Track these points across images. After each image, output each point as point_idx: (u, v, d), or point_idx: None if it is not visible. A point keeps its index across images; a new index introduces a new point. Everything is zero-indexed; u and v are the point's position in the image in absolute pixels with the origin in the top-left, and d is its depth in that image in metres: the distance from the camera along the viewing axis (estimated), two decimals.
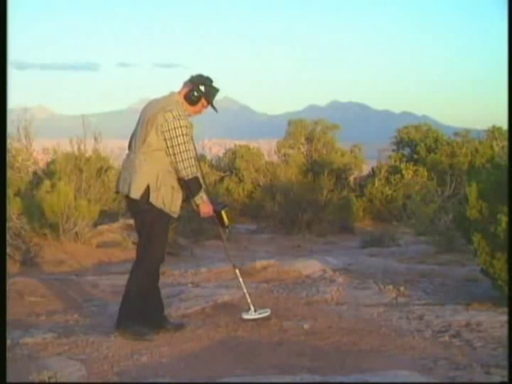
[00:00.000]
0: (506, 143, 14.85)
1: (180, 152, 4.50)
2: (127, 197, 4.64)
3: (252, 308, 4.94)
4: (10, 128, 11.34)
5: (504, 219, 4.87)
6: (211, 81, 4.71)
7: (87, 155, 10.68)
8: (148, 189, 4.54)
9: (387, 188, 15.73)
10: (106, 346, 4.37)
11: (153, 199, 4.54)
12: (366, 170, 17.81)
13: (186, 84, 4.67)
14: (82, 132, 10.52)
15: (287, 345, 4.38)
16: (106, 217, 10.59)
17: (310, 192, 13.42)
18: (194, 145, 4.74)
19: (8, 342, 4.21)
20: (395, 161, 17.07)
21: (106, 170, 11.89)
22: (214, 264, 7.61)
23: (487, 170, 6.24)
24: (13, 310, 5.14)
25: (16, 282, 6.46)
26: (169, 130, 4.51)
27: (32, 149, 12.51)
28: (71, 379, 3.69)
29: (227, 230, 5.04)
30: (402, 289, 6.04)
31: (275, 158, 17.81)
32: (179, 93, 4.67)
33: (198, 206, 4.66)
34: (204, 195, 4.66)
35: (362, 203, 15.34)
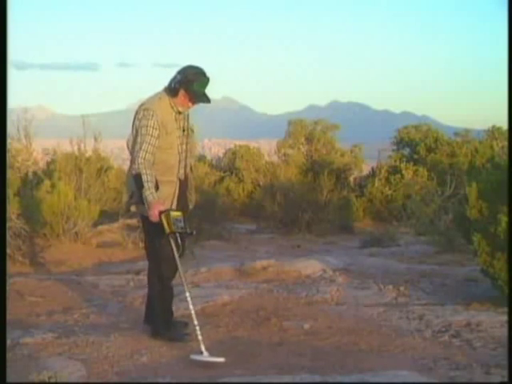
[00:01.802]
0: (505, 143, 14.85)
1: (134, 151, 4.35)
2: None
3: (203, 349, 4.09)
4: (10, 128, 11.33)
5: (504, 219, 4.87)
6: (197, 70, 4.40)
7: (87, 155, 10.68)
8: (132, 196, 4.48)
9: (387, 188, 15.72)
10: (105, 346, 4.37)
11: (133, 207, 4.50)
12: (366, 170, 17.79)
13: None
14: (82, 132, 10.51)
15: (287, 345, 4.38)
16: (106, 217, 10.58)
17: (310, 192, 13.41)
18: (189, 139, 4.59)
19: (8, 342, 4.21)
20: (395, 161, 17.06)
21: (105, 170, 11.90)
22: (213, 264, 7.60)
23: (487, 169, 6.24)
24: (13, 310, 5.13)
25: (16, 282, 6.46)
26: (136, 130, 4.39)
27: (32, 149, 12.50)
28: (71, 379, 3.69)
29: (178, 240, 4.36)
30: (401, 289, 6.04)
31: (275, 158, 17.78)
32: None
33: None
34: (149, 196, 4.25)
35: (362, 203, 15.33)
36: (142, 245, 9.05)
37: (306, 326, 4.81)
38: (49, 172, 11.74)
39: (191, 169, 4.76)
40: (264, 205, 13.49)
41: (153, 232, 4.47)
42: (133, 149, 4.42)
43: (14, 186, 9.85)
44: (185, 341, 4.46)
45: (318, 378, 3.50)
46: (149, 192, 4.27)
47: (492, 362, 3.85)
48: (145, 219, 4.49)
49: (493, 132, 18.01)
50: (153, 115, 4.33)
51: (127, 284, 6.64)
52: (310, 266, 7.18)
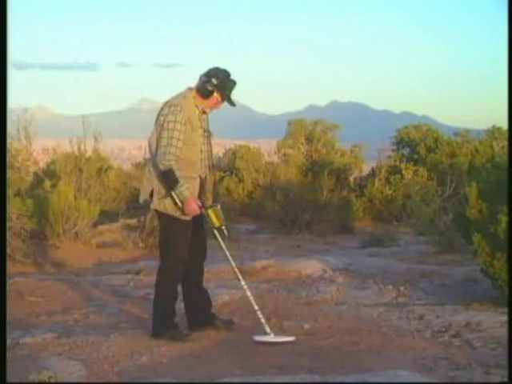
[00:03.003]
0: (506, 143, 14.84)
1: (161, 146, 4.37)
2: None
3: (268, 330, 4.40)
4: (10, 128, 11.34)
5: (504, 219, 4.87)
6: (228, 74, 4.54)
7: (87, 155, 10.69)
8: (152, 194, 4.50)
9: (387, 188, 15.71)
10: (106, 346, 4.37)
11: (154, 205, 4.49)
12: (366, 170, 17.78)
13: (200, 77, 4.53)
14: (82, 132, 10.52)
15: (287, 345, 4.37)
16: (106, 217, 10.59)
17: (310, 192, 13.40)
18: (209, 140, 4.64)
19: (8, 342, 4.22)
20: (395, 161, 17.05)
21: (105, 170, 11.90)
22: (213, 264, 7.60)
23: (487, 169, 6.24)
24: (13, 310, 5.14)
25: (16, 282, 6.47)
26: (161, 125, 4.42)
27: (32, 149, 12.51)
28: (71, 379, 3.70)
29: (225, 232, 4.59)
30: (401, 289, 6.04)
31: (275, 158, 17.77)
32: (194, 87, 4.56)
33: (181, 202, 4.36)
34: (185, 191, 4.34)
35: (361, 203, 15.32)
36: (142, 245, 9.07)
37: (306, 326, 4.81)
38: (49, 172, 11.75)
39: (209, 168, 4.72)
40: (264, 205, 13.49)
41: (170, 228, 4.48)
42: (157, 144, 4.43)
43: (14, 186, 9.85)
44: (185, 341, 4.46)
45: (317, 378, 3.50)
46: (184, 187, 4.34)
47: (492, 362, 3.85)
48: (163, 216, 4.49)
49: (493, 132, 17.97)
50: (180, 111, 4.40)
51: (127, 284, 6.65)
52: (310, 266, 7.18)
